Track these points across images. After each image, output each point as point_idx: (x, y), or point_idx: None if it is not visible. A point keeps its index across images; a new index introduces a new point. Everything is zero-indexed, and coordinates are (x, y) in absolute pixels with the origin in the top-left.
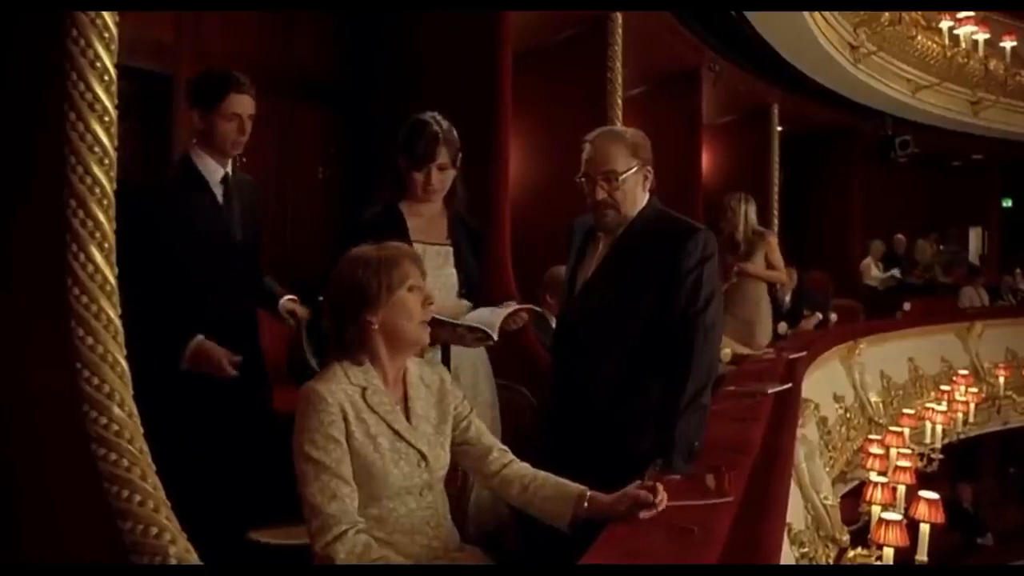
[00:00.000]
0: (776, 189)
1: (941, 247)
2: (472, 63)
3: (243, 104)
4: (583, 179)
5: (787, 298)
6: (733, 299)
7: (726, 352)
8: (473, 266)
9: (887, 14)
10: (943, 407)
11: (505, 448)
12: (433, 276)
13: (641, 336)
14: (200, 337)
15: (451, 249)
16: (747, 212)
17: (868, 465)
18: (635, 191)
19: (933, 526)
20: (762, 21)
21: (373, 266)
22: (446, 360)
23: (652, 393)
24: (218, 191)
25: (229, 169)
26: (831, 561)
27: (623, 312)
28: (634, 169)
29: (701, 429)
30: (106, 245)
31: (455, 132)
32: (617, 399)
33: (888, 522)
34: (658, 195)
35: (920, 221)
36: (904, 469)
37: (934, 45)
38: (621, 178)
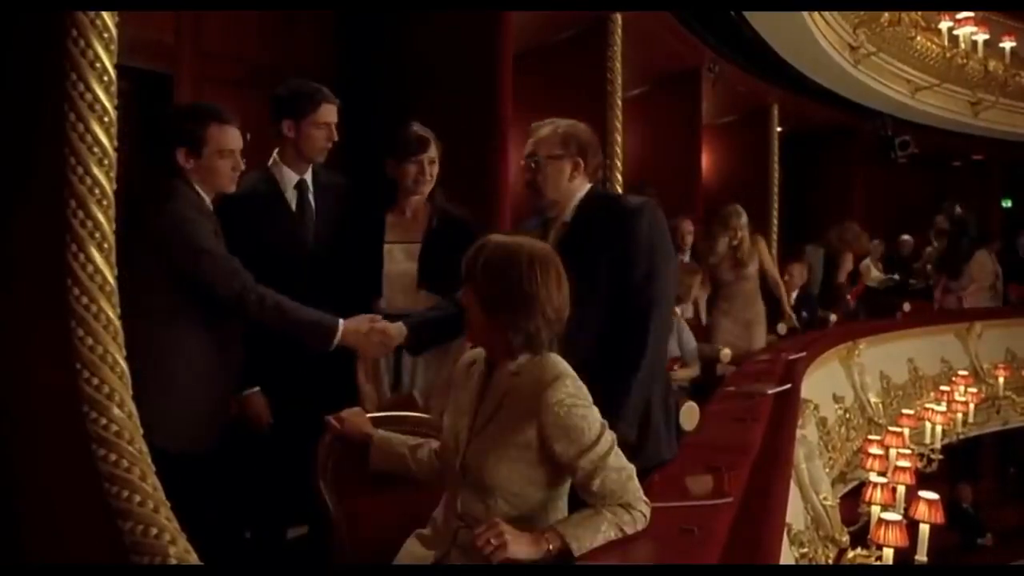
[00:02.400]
0: (776, 189)
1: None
2: (472, 63)
3: (332, 113)
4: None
5: (794, 295)
6: (731, 300)
7: (726, 352)
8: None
9: (886, 15)
10: (943, 407)
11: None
12: (395, 276)
13: (607, 323)
14: (256, 390)
15: (419, 246)
16: (745, 223)
17: (868, 465)
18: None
19: (933, 526)
20: (762, 21)
21: None
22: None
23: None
24: (292, 198)
25: (308, 175)
26: (831, 561)
27: (585, 291)
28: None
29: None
30: (106, 245)
31: None
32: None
33: (888, 522)
34: (658, 195)
35: (920, 221)
36: (904, 469)
37: (933, 46)
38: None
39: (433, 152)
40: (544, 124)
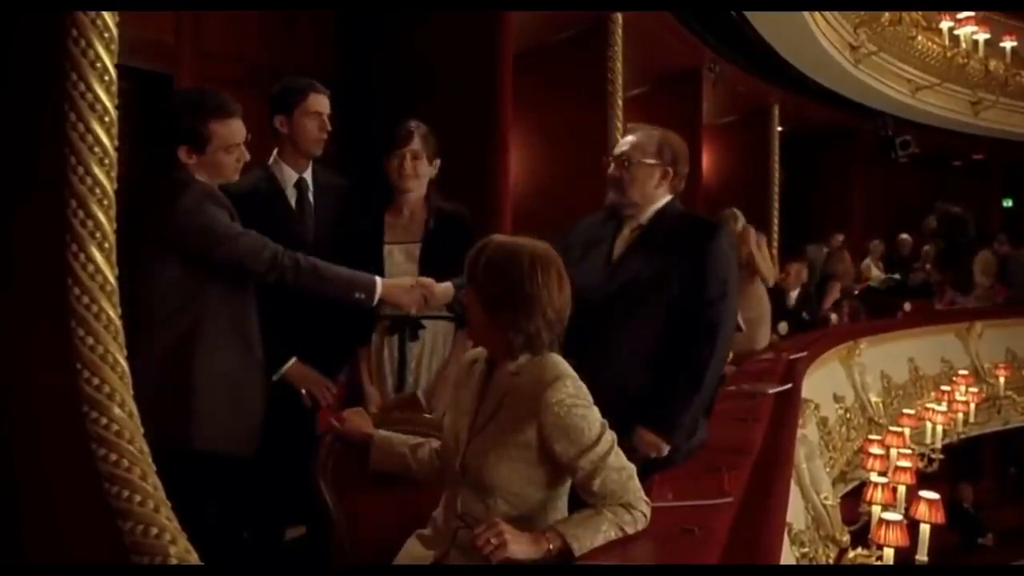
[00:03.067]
0: (776, 189)
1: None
2: (472, 63)
3: (323, 103)
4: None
5: (793, 295)
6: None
7: None
8: (451, 254)
9: (887, 14)
10: (943, 407)
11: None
12: (396, 277)
13: (671, 328)
14: (293, 360)
15: (419, 246)
16: (743, 227)
17: (868, 465)
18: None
19: (933, 526)
20: (762, 21)
21: None
22: (414, 338)
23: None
24: (292, 196)
25: (307, 174)
26: (831, 561)
27: (651, 292)
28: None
29: (702, 414)
30: (106, 245)
31: (434, 138)
32: (642, 379)
33: (888, 522)
34: None
35: (920, 221)
36: (904, 469)
37: (934, 45)
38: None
39: (416, 145)
40: (639, 128)
